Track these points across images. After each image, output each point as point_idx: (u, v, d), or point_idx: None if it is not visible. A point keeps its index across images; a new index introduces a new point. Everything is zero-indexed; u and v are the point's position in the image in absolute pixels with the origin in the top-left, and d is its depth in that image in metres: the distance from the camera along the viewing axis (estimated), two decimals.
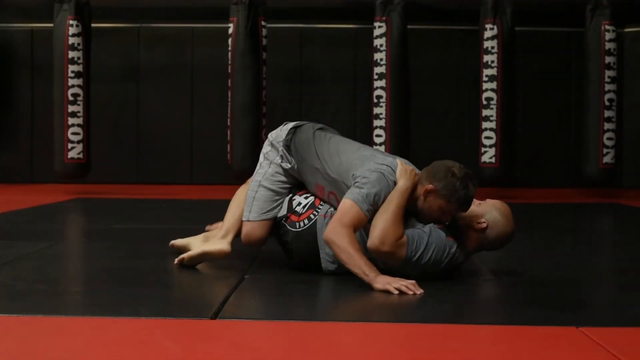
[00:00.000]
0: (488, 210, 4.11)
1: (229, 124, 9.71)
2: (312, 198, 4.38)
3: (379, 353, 2.87)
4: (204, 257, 4.40)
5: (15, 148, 11.29)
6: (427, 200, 4.00)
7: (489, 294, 3.82)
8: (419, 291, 3.75)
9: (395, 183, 4.00)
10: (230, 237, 4.42)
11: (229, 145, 9.69)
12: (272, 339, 3.01)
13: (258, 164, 4.53)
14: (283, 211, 4.39)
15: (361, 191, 3.94)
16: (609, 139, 9.69)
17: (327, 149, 4.31)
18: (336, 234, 3.90)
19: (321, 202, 4.34)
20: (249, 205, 4.40)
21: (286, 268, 4.52)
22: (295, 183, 4.47)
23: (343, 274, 4.04)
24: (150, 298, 3.65)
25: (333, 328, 3.19)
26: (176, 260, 4.44)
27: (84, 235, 6.38)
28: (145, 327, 3.13)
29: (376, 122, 9.66)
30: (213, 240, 4.46)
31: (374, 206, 3.94)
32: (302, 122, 4.54)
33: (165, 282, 4.05)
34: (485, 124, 9.57)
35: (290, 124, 4.52)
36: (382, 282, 3.80)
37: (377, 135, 9.61)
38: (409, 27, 9.81)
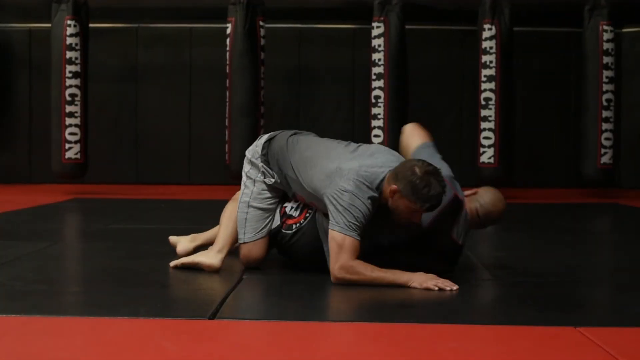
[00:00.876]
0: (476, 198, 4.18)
1: (227, 124, 9.71)
2: None
3: (376, 353, 2.87)
4: (196, 266, 4.42)
5: (13, 148, 11.28)
6: (394, 201, 3.95)
7: (487, 294, 3.82)
8: (455, 287, 3.84)
9: (368, 189, 3.95)
10: (224, 253, 4.42)
11: (227, 146, 9.69)
12: (269, 339, 3.01)
13: (242, 184, 4.51)
14: (276, 222, 4.40)
15: (344, 219, 3.91)
16: (607, 139, 9.69)
17: (299, 158, 4.29)
18: (345, 273, 3.92)
19: None
20: (242, 227, 4.40)
21: (284, 268, 4.52)
22: (282, 195, 4.47)
23: None
24: (149, 298, 3.66)
25: (331, 328, 3.19)
26: (172, 264, 4.45)
27: (83, 235, 6.38)
28: (143, 327, 3.13)
29: (374, 123, 9.66)
30: (208, 253, 4.46)
31: (361, 228, 3.93)
32: (275, 133, 4.54)
33: (163, 283, 4.05)
34: (483, 124, 9.57)
35: (264, 137, 4.52)
36: (419, 280, 3.89)
37: (375, 136, 9.60)
38: (407, 27, 9.82)
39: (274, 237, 4.41)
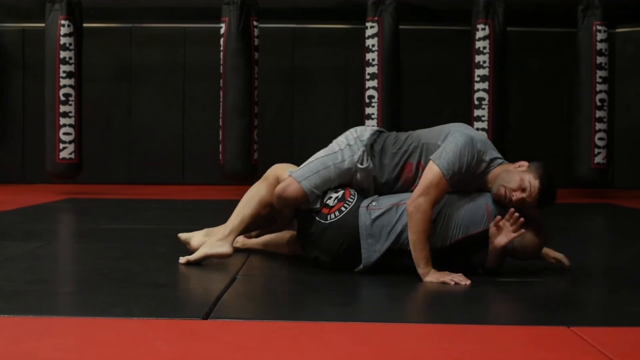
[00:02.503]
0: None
1: (221, 124, 9.71)
2: (342, 191, 4.39)
3: (370, 353, 2.87)
4: (206, 259, 4.41)
5: (7, 148, 11.27)
6: (514, 171, 4.11)
7: (480, 294, 3.82)
8: (468, 281, 3.95)
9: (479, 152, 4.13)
10: (231, 238, 4.41)
11: (221, 146, 9.68)
12: (264, 339, 3.01)
13: (331, 149, 4.48)
14: (316, 204, 4.38)
15: (449, 158, 4.05)
16: (600, 139, 9.72)
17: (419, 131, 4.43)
18: (418, 210, 4.01)
19: (351, 195, 4.35)
20: (310, 171, 4.38)
21: (278, 268, 4.52)
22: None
23: (346, 273, 4.04)
24: (142, 298, 3.65)
25: (324, 328, 3.19)
26: (182, 260, 4.44)
27: (76, 235, 6.37)
28: (137, 327, 3.12)
29: (368, 122, 9.66)
30: (214, 242, 4.44)
31: (458, 175, 4.06)
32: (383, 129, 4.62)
33: (157, 283, 4.05)
34: (477, 124, 9.57)
35: (373, 128, 4.56)
36: (435, 277, 3.98)
37: None
38: (400, 27, 9.83)
39: (307, 221, 4.39)
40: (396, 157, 4.34)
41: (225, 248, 4.37)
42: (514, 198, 4.05)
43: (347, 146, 4.43)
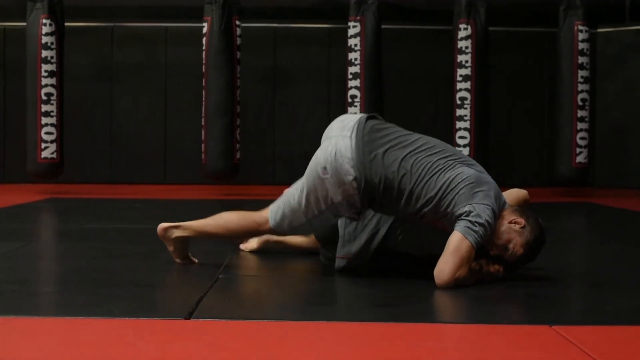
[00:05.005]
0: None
1: (203, 123, 9.69)
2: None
3: (353, 352, 2.87)
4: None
5: None
6: (506, 227, 3.97)
7: (462, 293, 3.82)
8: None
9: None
10: (184, 232, 4.37)
11: (203, 145, 9.67)
12: (246, 339, 3.01)
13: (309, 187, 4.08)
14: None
15: (480, 234, 3.85)
16: (582, 138, 9.76)
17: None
18: (461, 282, 3.86)
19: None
20: (287, 216, 4.16)
21: (260, 268, 4.51)
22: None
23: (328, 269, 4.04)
24: (124, 298, 3.64)
25: (307, 328, 3.19)
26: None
27: (57, 235, 6.34)
28: (118, 327, 3.11)
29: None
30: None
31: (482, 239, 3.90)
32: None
33: (138, 282, 4.04)
34: (459, 124, 9.60)
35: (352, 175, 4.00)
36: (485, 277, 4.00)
37: None
38: (383, 26, 9.84)
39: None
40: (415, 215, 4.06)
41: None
42: (491, 253, 4.01)
43: (335, 188, 3.99)
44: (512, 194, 4.50)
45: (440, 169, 3.96)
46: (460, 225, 3.83)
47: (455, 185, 3.91)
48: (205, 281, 4.00)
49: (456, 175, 3.93)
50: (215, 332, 3.08)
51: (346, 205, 4.00)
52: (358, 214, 4.08)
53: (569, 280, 4.39)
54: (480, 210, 3.84)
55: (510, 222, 3.98)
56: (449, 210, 3.89)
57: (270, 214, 4.15)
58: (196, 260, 4.41)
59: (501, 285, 4.05)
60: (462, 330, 3.23)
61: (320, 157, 4.04)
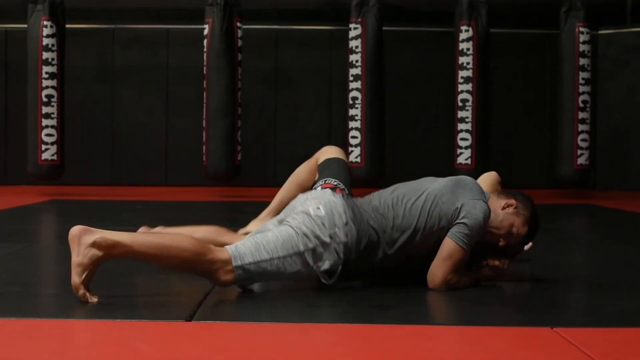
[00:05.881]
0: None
1: (204, 125, 9.69)
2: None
3: (353, 354, 2.87)
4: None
5: None
6: (503, 214, 3.99)
7: (463, 295, 3.82)
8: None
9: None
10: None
11: (204, 147, 9.67)
12: (247, 341, 3.01)
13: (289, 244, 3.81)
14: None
15: (471, 237, 3.88)
16: (583, 140, 9.75)
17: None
18: (453, 285, 3.88)
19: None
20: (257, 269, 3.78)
21: None
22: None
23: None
24: (125, 300, 3.64)
25: (308, 330, 3.19)
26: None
27: (58, 237, 6.34)
28: (120, 329, 3.11)
29: (352, 124, 9.67)
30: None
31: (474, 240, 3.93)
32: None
33: (139, 284, 4.04)
34: (460, 126, 9.60)
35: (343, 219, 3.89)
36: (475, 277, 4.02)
37: (353, 137, 9.61)
38: (384, 28, 9.83)
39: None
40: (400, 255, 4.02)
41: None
42: (500, 244, 4.01)
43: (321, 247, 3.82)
44: (486, 181, 4.59)
45: (407, 198, 4.00)
46: (451, 231, 3.89)
47: (434, 200, 3.95)
48: (207, 283, 3.99)
49: (428, 193, 3.98)
50: (216, 334, 3.08)
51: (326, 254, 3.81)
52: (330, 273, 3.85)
53: (570, 282, 4.39)
54: (471, 206, 3.90)
55: (503, 209, 4.02)
56: (441, 224, 3.92)
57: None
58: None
59: (502, 287, 4.05)
60: (462, 332, 3.23)
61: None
